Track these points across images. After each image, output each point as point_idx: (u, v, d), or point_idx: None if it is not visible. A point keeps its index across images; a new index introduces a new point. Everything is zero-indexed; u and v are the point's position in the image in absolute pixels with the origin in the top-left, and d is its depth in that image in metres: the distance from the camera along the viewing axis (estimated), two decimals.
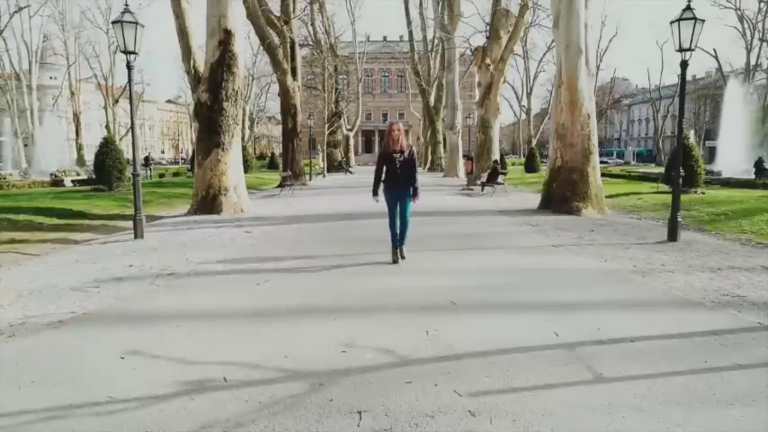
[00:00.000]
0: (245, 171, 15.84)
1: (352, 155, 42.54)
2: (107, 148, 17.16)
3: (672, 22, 7.61)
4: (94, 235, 9.29)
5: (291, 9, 22.28)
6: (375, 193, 6.21)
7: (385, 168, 6.12)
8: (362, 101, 43.43)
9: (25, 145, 37.50)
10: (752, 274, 5.66)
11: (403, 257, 6.31)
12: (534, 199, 13.48)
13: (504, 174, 18.18)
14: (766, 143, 28.18)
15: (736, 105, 26.86)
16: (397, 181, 6.07)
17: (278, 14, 21.72)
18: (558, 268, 6.11)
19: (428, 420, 2.60)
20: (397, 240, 6.29)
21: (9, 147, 36.85)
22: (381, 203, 6.32)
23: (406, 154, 6.01)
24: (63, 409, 2.75)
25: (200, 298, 4.99)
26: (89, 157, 36.48)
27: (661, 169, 20.74)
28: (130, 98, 8.60)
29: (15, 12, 34.32)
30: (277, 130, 54.15)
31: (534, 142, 40.33)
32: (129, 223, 9.00)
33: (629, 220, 10.43)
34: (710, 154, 33.10)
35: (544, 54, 43.93)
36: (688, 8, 7.44)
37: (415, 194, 6.15)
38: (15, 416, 2.69)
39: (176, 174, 31.59)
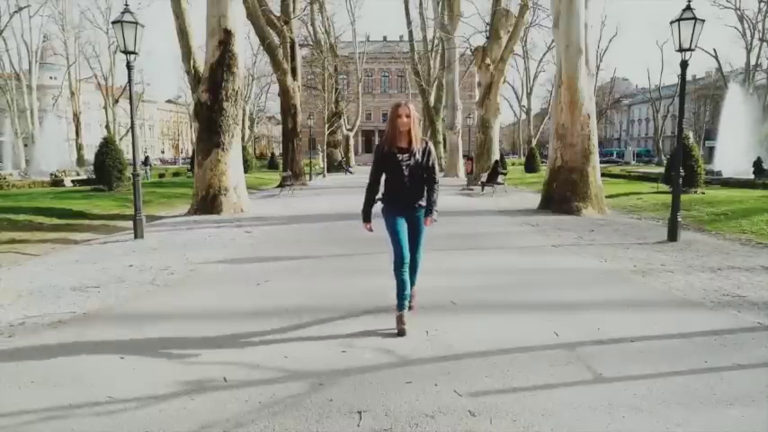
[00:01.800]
0: (245, 171, 15.85)
1: (352, 155, 42.53)
2: (107, 148, 17.19)
3: (672, 22, 7.61)
4: (94, 235, 9.29)
5: (291, 9, 22.30)
6: (367, 217, 3.92)
7: (384, 177, 3.90)
8: (362, 101, 43.43)
9: (25, 145, 37.53)
10: (752, 274, 5.66)
11: (408, 310, 4.00)
12: (534, 199, 13.48)
13: (504, 174, 18.18)
14: (766, 143, 28.16)
15: (735, 105, 26.86)
16: (404, 198, 3.85)
17: (278, 14, 21.74)
18: (558, 268, 6.11)
19: (428, 420, 2.60)
20: (406, 302, 3.93)
21: (9, 147, 36.88)
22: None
23: (418, 155, 3.77)
24: (63, 409, 2.75)
25: (200, 298, 4.99)
26: (89, 157, 36.52)
27: (661, 169, 20.74)
28: (130, 98, 8.61)
29: (15, 12, 34.35)
30: (277, 130, 54.15)
31: (534, 142, 40.33)
32: (129, 223, 9.00)
33: (629, 220, 10.43)
34: (710, 154, 33.10)
35: (544, 54, 43.96)
36: (688, 8, 7.44)
37: (427, 213, 3.91)
38: (15, 416, 2.69)
39: (176, 174, 31.61)
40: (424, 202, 3.92)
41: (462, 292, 4.87)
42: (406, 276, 3.90)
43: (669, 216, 7.92)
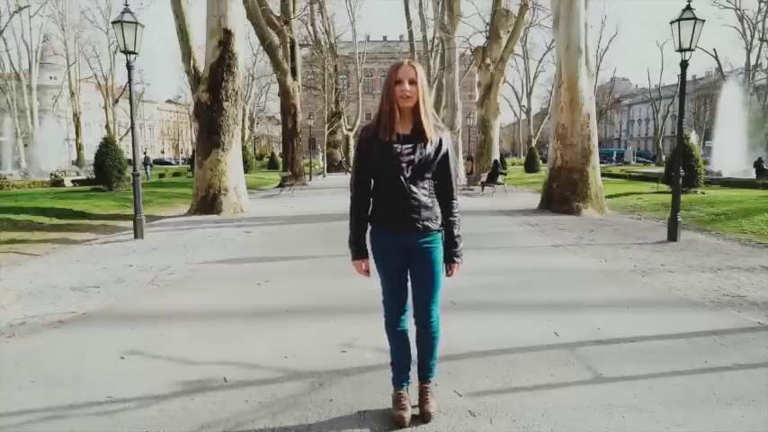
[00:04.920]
0: (245, 171, 15.87)
1: (351, 155, 42.54)
2: (107, 148, 17.20)
3: (672, 23, 7.61)
4: (95, 235, 9.29)
5: (291, 9, 22.34)
6: (360, 251, 2.52)
7: (373, 183, 2.48)
8: (362, 101, 43.37)
9: (25, 145, 37.54)
10: (752, 274, 5.66)
11: (427, 419, 2.55)
12: (534, 199, 13.48)
13: (504, 174, 18.20)
14: (766, 143, 28.16)
15: (734, 106, 26.86)
16: (403, 214, 2.39)
17: (278, 14, 21.76)
18: (558, 268, 6.11)
19: None
20: (407, 375, 2.67)
21: (9, 147, 36.90)
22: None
23: (430, 148, 2.37)
24: (63, 409, 2.75)
25: (200, 298, 4.99)
26: (89, 157, 36.54)
27: (661, 169, 20.75)
28: (130, 98, 8.61)
29: (15, 12, 34.35)
30: (277, 130, 54.16)
31: (534, 142, 40.32)
32: (130, 223, 9.01)
33: (629, 220, 10.43)
34: (710, 154, 33.11)
35: (544, 54, 44.07)
36: (688, 8, 7.45)
37: (451, 258, 2.52)
38: (15, 416, 2.69)
39: (176, 174, 31.62)
40: (436, 223, 2.43)
41: (462, 292, 4.85)
42: (406, 344, 2.61)
43: (669, 216, 7.92)
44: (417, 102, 2.33)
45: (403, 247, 2.45)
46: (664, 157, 36.23)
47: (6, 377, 3.17)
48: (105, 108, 43.02)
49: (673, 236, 7.72)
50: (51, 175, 23.46)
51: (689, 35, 7.45)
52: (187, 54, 12.56)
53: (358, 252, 2.52)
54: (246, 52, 33.83)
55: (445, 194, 2.47)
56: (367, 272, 2.54)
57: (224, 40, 11.58)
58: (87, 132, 50.49)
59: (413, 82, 2.32)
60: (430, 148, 2.36)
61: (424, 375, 2.65)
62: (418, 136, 2.36)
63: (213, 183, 11.71)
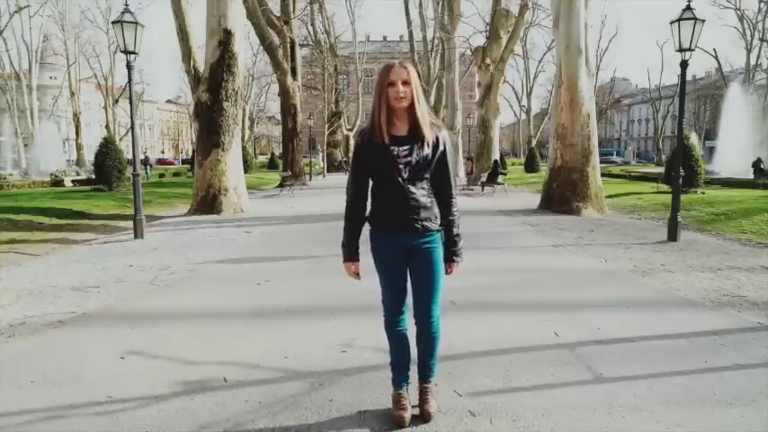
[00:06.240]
0: (245, 171, 15.88)
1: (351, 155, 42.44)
2: (107, 149, 17.22)
3: (672, 23, 7.62)
4: (95, 235, 9.30)
5: (291, 9, 22.35)
6: (352, 253, 2.56)
7: (372, 185, 2.49)
8: (362, 101, 43.35)
9: (25, 145, 37.56)
10: (752, 274, 5.66)
11: (427, 419, 2.55)
12: (534, 199, 13.48)
13: (504, 174, 18.20)
14: (766, 143, 28.15)
15: (735, 106, 26.86)
16: (403, 215, 2.39)
17: (278, 14, 21.76)
18: (558, 268, 6.11)
19: None
20: (407, 375, 2.66)
21: (9, 147, 36.92)
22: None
23: (427, 148, 2.36)
24: (63, 409, 2.75)
25: (200, 298, 4.99)
26: (89, 157, 36.55)
27: (661, 169, 20.75)
28: (130, 98, 8.61)
29: (15, 12, 34.35)
30: (277, 130, 54.18)
31: (534, 142, 40.34)
32: (130, 223, 9.01)
33: (629, 220, 10.43)
34: (710, 154, 33.10)
35: (544, 54, 44.11)
36: (688, 8, 7.45)
37: (451, 257, 2.53)
38: (15, 416, 2.69)
39: (176, 174, 31.63)
40: (435, 223, 2.42)
41: (462, 292, 4.85)
42: (405, 344, 2.60)
43: (669, 216, 7.92)
44: (412, 102, 2.33)
45: (402, 247, 2.45)
46: (663, 157, 36.24)
47: (6, 377, 3.17)
48: (105, 108, 43.03)
49: (673, 236, 7.72)
50: (51, 175, 23.47)
51: (689, 35, 7.45)
52: (187, 54, 12.56)
53: (348, 254, 2.56)
54: (246, 52, 33.84)
55: (444, 193, 2.48)
56: (357, 274, 2.57)
57: (224, 40, 11.58)
58: (87, 132, 50.49)
59: (406, 83, 2.31)
60: (427, 149, 2.36)
61: (425, 375, 2.65)
62: (415, 137, 2.36)
63: (213, 183, 11.72)
